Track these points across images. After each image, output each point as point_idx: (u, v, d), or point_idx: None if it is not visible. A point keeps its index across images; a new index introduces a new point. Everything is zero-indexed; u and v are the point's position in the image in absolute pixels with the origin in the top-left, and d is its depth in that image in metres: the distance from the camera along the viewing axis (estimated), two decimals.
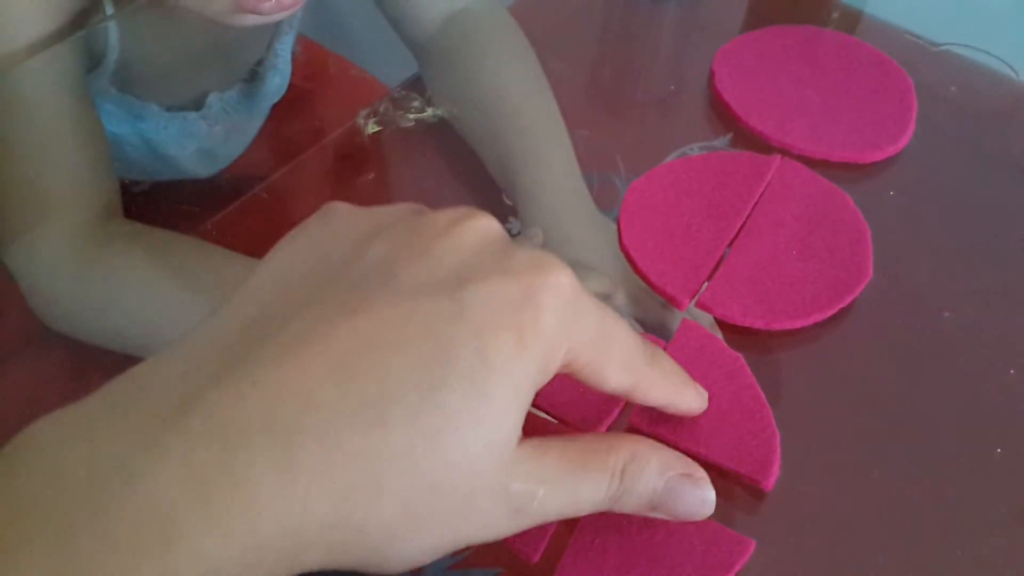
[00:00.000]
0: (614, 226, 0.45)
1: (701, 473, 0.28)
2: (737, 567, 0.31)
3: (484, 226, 0.25)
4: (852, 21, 0.64)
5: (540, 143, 0.51)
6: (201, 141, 0.62)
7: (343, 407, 0.20)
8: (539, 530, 0.31)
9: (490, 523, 0.23)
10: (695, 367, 0.35)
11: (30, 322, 0.46)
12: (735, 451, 0.33)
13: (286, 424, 0.20)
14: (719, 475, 0.32)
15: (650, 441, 0.27)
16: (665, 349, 0.36)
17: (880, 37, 0.60)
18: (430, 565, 0.37)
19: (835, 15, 0.64)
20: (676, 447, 0.32)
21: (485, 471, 0.22)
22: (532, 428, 0.32)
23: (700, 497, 0.27)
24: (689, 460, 0.28)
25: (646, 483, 0.26)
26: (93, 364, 0.45)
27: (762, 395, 0.35)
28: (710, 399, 0.33)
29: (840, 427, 0.41)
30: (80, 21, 0.47)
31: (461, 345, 0.21)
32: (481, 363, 0.21)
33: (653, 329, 0.43)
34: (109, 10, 0.49)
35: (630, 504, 0.26)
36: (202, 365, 0.21)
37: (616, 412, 0.34)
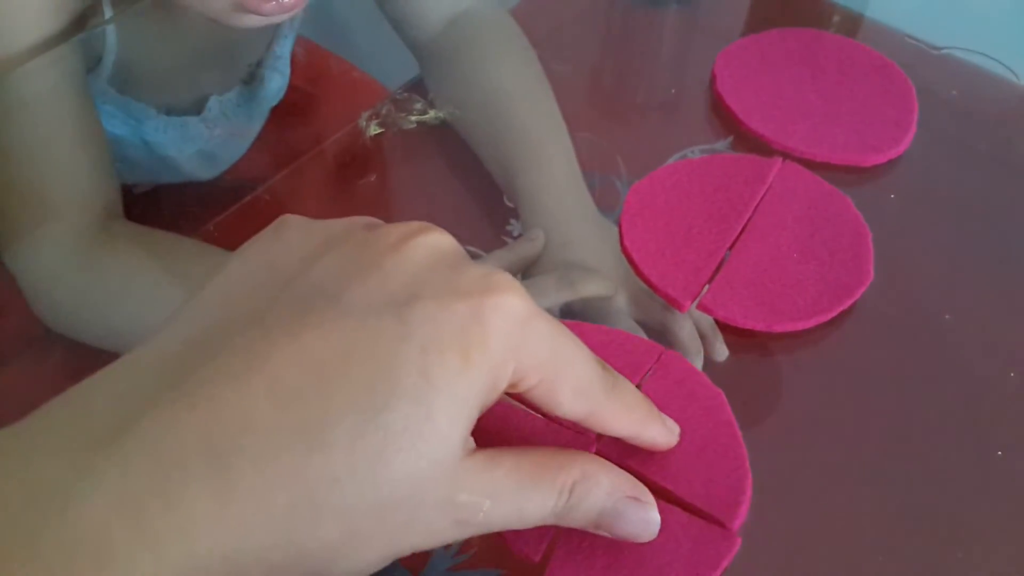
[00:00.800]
0: (615, 228, 0.45)
1: (648, 497, 0.27)
2: (724, 564, 0.31)
3: (436, 241, 0.24)
4: (853, 25, 0.64)
5: (541, 145, 0.51)
6: (201, 144, 0.62)
7: (282, 430, 0.20)
8: (540, 531, 0.31)
9: (434, 532, 0.23)
10: (673, 399, 0.35)
11: (30, 323, 0.46)
12: (703, 489, 0.32)
13: (222, 447, 0.20)
14: (689, 515, 0.32)
15: (601, 460, 0.27)
16: (648, 373, 0.36)
17: (881, 41, 0.60)
18: (430, 566, 0.37)
19: (836, 19, 0.64)
20: (643, 478, 0.32)
21: (430, 487, 0.22)
22: (514, 425, 0.33)
23: (644, 519, 0.27)
24: (637, 482, 0.27)
25: (593, 502, 0.25)
26: (93, 365, 0.45)
27: (739, 434, 0.34)
28: (684, 433, 0.33)
29: (841, 427, 0.41)
30: (80, 23, 0.47)
31: (405, 364, 0.21)
32: (425, 382, 0.21)
33: (654, 331, 0.43)
34: (108, 12, 0.49)
35: (575, 520, 0.26)
36: (140, 386, 0.21)
37: None
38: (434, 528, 0.22)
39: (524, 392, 0.24)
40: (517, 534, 0.31)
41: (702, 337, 0.43)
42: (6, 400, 0.43)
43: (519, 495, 0.24)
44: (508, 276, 0.24)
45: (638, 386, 0.36)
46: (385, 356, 0.21)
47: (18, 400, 0.43)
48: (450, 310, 0.22)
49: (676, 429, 0.31)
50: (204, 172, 0.66)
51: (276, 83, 0.63)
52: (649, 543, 0.31)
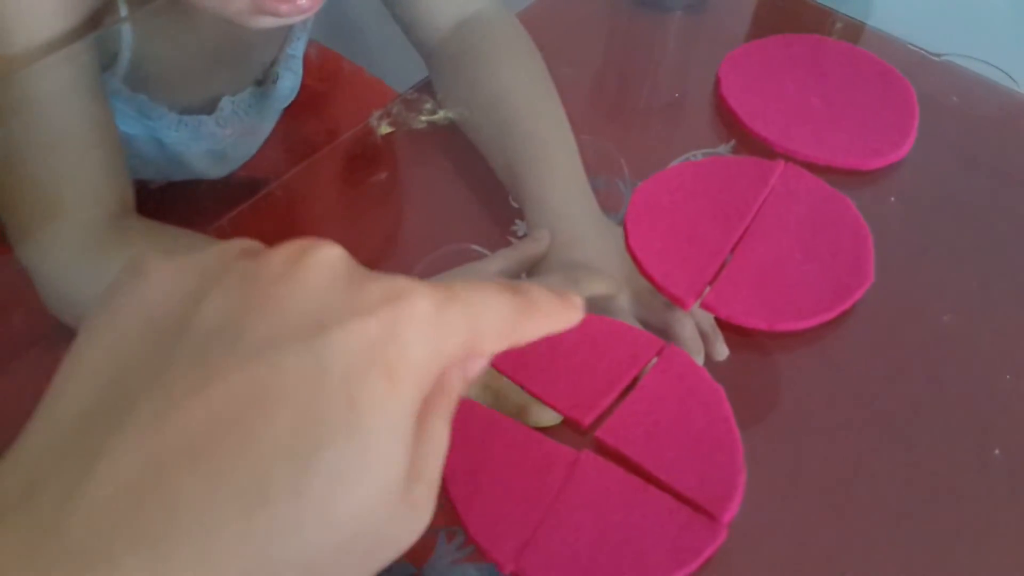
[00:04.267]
0: (618, 228, 0.46)
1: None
2: (708, 552, 0.32)
3: (325, 259, 0.22)
4: (855, 31, 0.65)
5: (547, 147, 0.52)
6: (213, 143, 0.62)
7: (215, 500, 0.18)
8: (515, 532, 0.32)
9: (402, 540, 0.22)
10: (674, 393, 0.36)
11: (36, 321, 0.47)
12: (698, 481, 0.33)
13: (153, 535, 0.18)
14: (690, 511, 0.33)
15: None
16: (651, 367, 0.37)
17: (883, 47, 0.61)
18: (433, 559, 0.37)
19: (839, 25, 0.65)
20: (640, 468, 0.33)
21: (384, 509, 0.21)
22: (496, 432, 0.33)
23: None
24: None
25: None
26: None
27: (735, 430, 0.35)
28: (682, 427, 0.34)
29: (839, 425, 0.42)
30: (95, 21, 0.47)
31: (330, 398, 0.20)
32: (354, 412, 0.20)
33: (657, 330, 0.44)
34: (124, 11, 0.49)
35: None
36: (41, 476, 0.19)
37: (612, 397, 0.35)
38: (400, 537, 0.22)
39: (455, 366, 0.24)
40: (491, 541, 0.32)
41: (703, 336, 0.43)
42: (12, 399, 0.44)
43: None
44: (406, 279, 0.22)
45: (637, 377, 0.36)
46: (306, 395, 0.20)
47: (24, 399, 0.43)
48: (362, 331, 0.21)
49: (580, 302, 0.29)
50: (216, 170, 0.66)
51: (289, 83, 0.64)
52: (634, 525, 0.32)
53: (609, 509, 0.33)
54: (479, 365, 0.26)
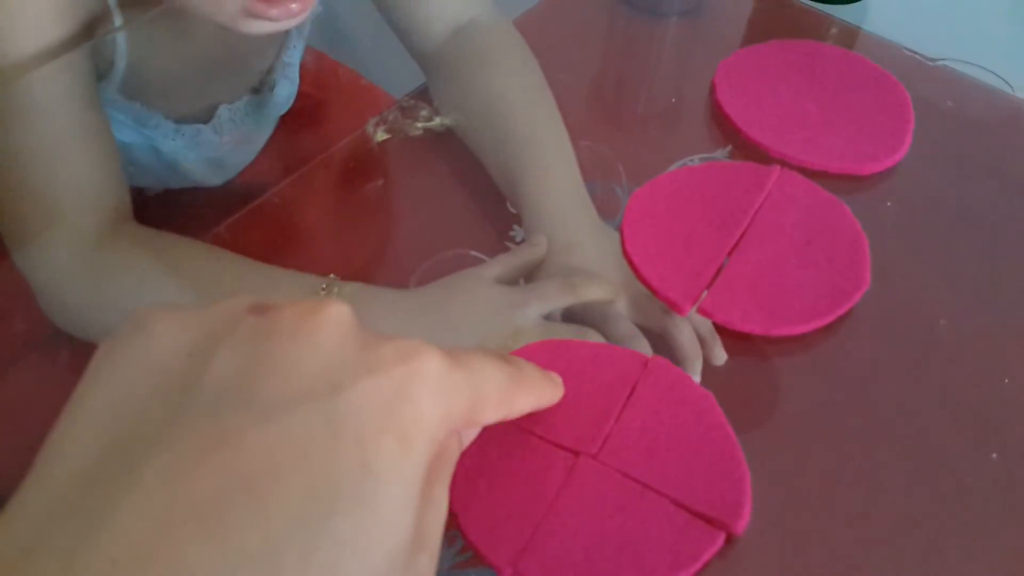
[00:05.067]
0: (615, 233, 0.46)
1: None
2: (706, 557, 0.32)
3: (336, 318, 0.22)
4: (851, 37, 0.65)
5: (543, 152, 0.52)
6: (210, 151, 0.63)
7: (224, 565, 0.18)
8: (512, 537, 0.32)
9: None
10: (665, 405, 0.36)
11: (35, 325, 0.47)
12: (705, 494, 0.33)
13: None
14: (688, 515, 0.33)
15: None
16: (638, 383, 0.37)
17: (878, 52, 0.61)
18: None
19: (834, 31, 0.65)
20: (646, 487, 0.33)
21: (391, 569, 0.20)
22: (496, 439, 0.34)
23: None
24: None
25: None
26: None
27: (732, 434, 0.35)
28: (679, 438, 0.34)
29: (837, 429, 0.42)
30: (90, 30, 0.47)
31: (343, 462, 0.19)
32: (367, 477, 0.20)
33: (654, 335, 0.44)
34: (118, 20, 0.49)
35: None
36: (41, 539, 0.18)
37: (607, 429, 0.35)
38: None
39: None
40: (490, 546, 0.32)
41: (701, 341, 0.43)
42: (11, 403, 0.44)
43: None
44: (418, 341, 0.23)
45: (629, 395, 0.36)
46: (319, 458, 0.19)
47: (23, 402, 0.43)
48: (375, 392, 0.21)
49: (560, 381, 0.32)
50: (213, 178, 0.66)
51: (285, 90, 0.64)
52: (632, 529, 0.32)
53: (607, 513, 0.33)
54: (473, 434, 0.27)
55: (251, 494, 0.18)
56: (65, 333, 0.46)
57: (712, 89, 0.59)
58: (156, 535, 0.18)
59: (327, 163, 0.56)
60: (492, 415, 0.26)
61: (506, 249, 0.49)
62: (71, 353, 0.47)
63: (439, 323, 0.43)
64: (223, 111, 0.61)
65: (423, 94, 0.59)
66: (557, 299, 0.44)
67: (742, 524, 0.33)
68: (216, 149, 0.63)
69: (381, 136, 0.56)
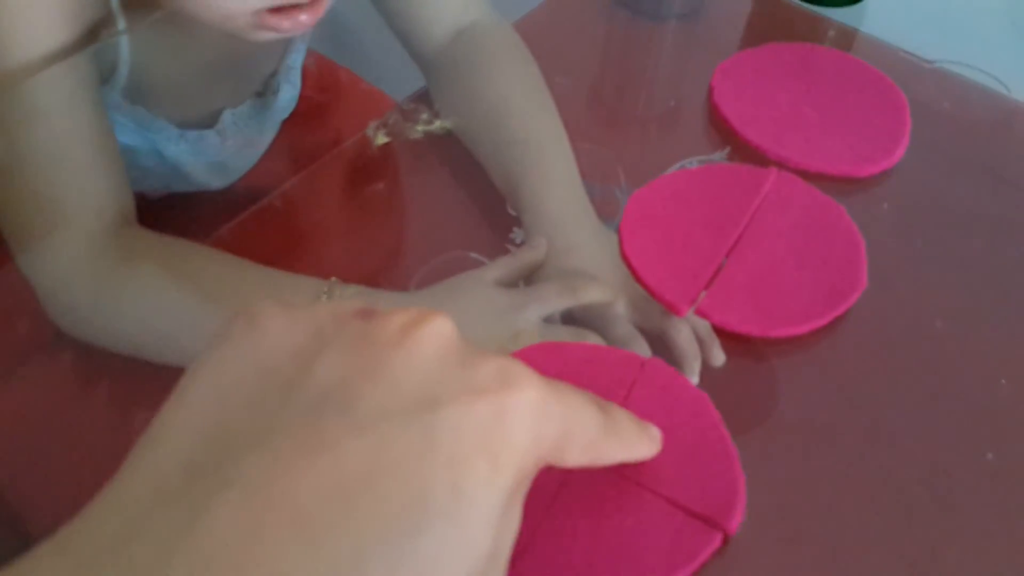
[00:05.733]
0: (614, 235, 0.46)
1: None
2: (703, 557, 0.32)
3: (440, 331, 0.22)
4: (847, 39, 0.65)
5: (543, 155, 0.52)
6: (213, 155, 0.63)
7: (312, 570, 0.18)
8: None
9: None
10: (659, 405, 0.36)
11: (39, 329, 0.47)
12: (699, 493, 0.34)
13: None
14: (685, 515, 0.33)
15: None
16: (634, 384, 0.37)
17: (875, 54, 0.62)
18: None
19: (831, 33, 0.65)
20: (640, 487, 0.34)
21: None
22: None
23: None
24: None
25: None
26: (101, 370, 0.46)
27: (727, 435, 0.35)
28: (675, 439, 0.34)
29: (834, 430, 0.42)
30: (93, 34, 0.47)
31: (434, 480, 0.20)
32: (457, 497, 0.20)
33: (653, 336, 0.44)
34: (121, 24, 0.50)
35: None
36: (141, 530, 0.18)
37: None
38: None
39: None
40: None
41: (699, 342, 0.44)
42: (16, 405, 0.44)
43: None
44: (520, 366, 0.23)
45: (625, 396, 0.37)
46: (413, 474, 0.20)
47: (27, 405, 0.44)
48: (473, 414, 0.21)
49: (658, 436, 0.32)
50: (216, 182, 0.67)
51: (288, 94, 0.64)
52: (629, 530, 0.32)
53: (605, 514, 0.33)
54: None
55: (345, 503, 0.19)
56: (69, 337, 0.46)
57: (710, 92, 0.59)
58: (251, 535, 0.18)
59: (328, 166, 0.56)
60: (578, 458, 0.25)
61: (506, 251, 0.49)
62: (75, 356, 0.47)
63: None
64: (227, 115, 0.61)
65: (423, 97, 0.60)
66: (557, 301, 0.44)
67: (735, 523, 0.33)
68: (219, 153, 0.63)
69: (382, 139, 0.57)
